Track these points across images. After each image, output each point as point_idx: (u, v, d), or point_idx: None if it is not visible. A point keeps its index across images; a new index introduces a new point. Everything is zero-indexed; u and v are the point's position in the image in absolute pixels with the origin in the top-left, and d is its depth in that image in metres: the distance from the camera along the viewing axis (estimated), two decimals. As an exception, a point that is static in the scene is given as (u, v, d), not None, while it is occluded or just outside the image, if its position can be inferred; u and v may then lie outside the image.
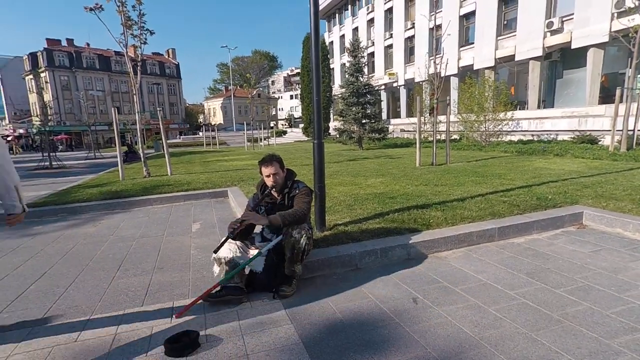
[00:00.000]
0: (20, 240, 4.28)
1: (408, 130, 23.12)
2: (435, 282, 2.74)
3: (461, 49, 22.76)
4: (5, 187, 1.96)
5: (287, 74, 71.35)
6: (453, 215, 3.85)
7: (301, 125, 39.65)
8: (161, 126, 7.90)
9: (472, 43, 22.00)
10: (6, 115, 49.44)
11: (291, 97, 57.63)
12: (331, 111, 28.91)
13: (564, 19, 17.21)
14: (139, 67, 7.47)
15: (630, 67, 17.01)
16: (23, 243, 4.16)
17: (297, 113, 48.52)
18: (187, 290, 2.76)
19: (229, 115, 54.67)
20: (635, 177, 5.67)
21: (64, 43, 47.26)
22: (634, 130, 8.78)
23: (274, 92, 52.83)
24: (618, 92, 8.78)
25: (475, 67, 21.52)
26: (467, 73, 22.27)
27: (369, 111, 13.63)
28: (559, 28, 17.34)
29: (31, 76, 45.62)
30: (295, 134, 33.48)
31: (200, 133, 42.22)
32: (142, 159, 7.70)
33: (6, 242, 4.21)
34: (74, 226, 4.86)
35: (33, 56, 45.24)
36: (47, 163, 15.54)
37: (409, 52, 27.16)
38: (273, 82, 48.62)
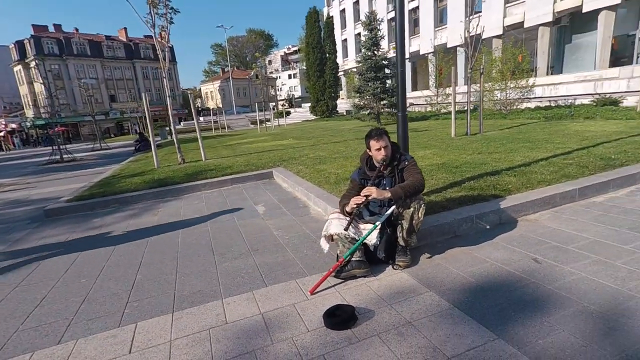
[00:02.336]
0: (90, 233, 4.28)
1: (418, 104, 22.84)
2: (543, 243, 2.78)
3: (469, 18, 22.18)
4: None
5: (284, 52, 69.89)
6: (528, 179, 3.87)
7: (304, 105, 39.22)
8: (194, 110, 7.77)
9: (480, 12, 21.46)
10: (-5, 110, 48.02)
11: (289, 76, 56.62)
12: (342, 89, 28.39)
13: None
14: (167, 50, 7.24)
15: (640, 29, 16.88)
16: (95, 235, 4.16)
17: (297, 93, 47.84)
18: (299, 268, 2.79)
19: (227, 98, 53.77)
20: None
21: (51, 29, 45.13)
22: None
23: (271, 72, 51.87)
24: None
25: (483, 36, 21.09)
26: (474, 43, 21.87)
27: (387, 85, 13.42)
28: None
29: (20, 66, 43.96)
30: (300, 114, 33.05)
31: (201, 118, 41.60)
32: (177, 146, 7.61)
33: (75, 235, 4.21)
34: (134, 216, 4.86)
35: (20, 44, 42.97)
36: (58, 157, 15.38)
37: (413, 24, 26.52)
38: (270, 61, 47.59)
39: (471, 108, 18.30)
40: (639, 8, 16.66)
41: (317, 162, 6.46)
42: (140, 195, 5.67)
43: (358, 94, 13.65)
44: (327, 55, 24.80)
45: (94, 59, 46.02)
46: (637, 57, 16.88)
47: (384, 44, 15.45)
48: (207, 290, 2.57)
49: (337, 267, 2.49)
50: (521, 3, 19.20)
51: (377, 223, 2.63)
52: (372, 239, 2.65)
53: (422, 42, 25.59)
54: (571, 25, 18.83)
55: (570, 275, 2.27)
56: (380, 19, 14.16)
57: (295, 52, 67.30)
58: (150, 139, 7.40)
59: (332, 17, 28.41)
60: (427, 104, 19.50)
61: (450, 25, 22.91)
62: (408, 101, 25.68)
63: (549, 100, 13.78)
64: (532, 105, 13.72)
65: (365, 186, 2.82)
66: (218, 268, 2.95)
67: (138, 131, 17.66)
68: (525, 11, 18.83)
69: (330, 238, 2.76)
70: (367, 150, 2.79)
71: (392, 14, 27.02)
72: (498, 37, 20.42)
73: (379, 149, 2.66)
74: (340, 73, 28.10)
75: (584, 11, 16.57)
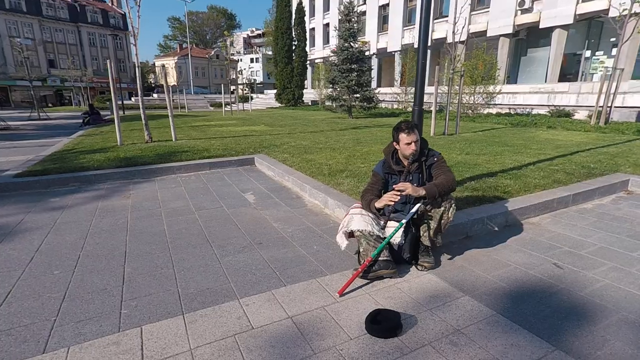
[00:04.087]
0: (50, 214, 3.69)
1: (385, 100, 23.18)
2: (556, 248, 2.83)
3: (435, 21, 22.84)
4: None
5: (248, 35, 67.21)
6: (525, 183, 3.97)
7: (266, 91, 38.16)
8: (166, 84, 7.05)
9: (446, 16, 22.15)
10: None
11: (252, 60, 54.64)
12: (306, 79, 27.91)
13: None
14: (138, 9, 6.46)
15: (586, 49, 18.55)
16: (58, 218, 3.60)
17: (259, 78, 46.27)
18: (316, 266, 2.58)
19: (184, 77, 50.66)
20: None
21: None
22: (605, 105, 9.52)
23: (232, 54, 49.68)
24: (606, 71, 9.34)
25: (448, 40, 21.84)
26: (440, 46, 22.64)
27: (362, 79, 13.33)
28: (529, 7, 18.03)
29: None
30: (263, 100, 32.00)
31: (155, 95, 38.83)
32: (144, 122, 6.88)
33: (33, 217, 3.61)
34: (102, 198, 4.29)
35: None
36: (-13, 123, 13.47)
37: (382, 21, 26.73)
38: (232, 42, 45.41)
39: (437, 109, 18.87)
40: (586, 30, 18.28)
41: (302, 152, 6.20)
42: (105, 175, 5.04)
43: (331, 85, 13.44)
44: (297, 42, 24.19)
45: (30, 17, 40.71)
46: (583, 75, 18.56)
47: (372, 35, 15.29)
48: (216, 288, 2.28)
49: (364, 267, 2.32)
50: (485, 12, 20.12)
51: (403, 221, 2.48)
52: (397, 238, 2.51)
53: (390, 40, 25.94)
54: (528, 39, 20.18)
55: (596, 282, 2.31)
56: (358, 11, 13.99)
57: (259, 35, 65.16)
58: (114, 113, 6.62)
59: (304, 4, 27.76)
60: (394, 100, 19.83)
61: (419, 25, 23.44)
62: (379, 97, 26.03)
63: (509, 108, 14.64)
64: (493, 111, 14.49)
65: (390, 181, 2.68)
66: (221, 262, 2.64)
67: (89, 103, 15.94)
68: (488, 20, 19.78)
69: (349, 235, 2.58)
70: (395, 144, 2.62)
71: (363, 7, 27.13)
72: (462, 42, 21.26)
73: (409, 143, 2.51)
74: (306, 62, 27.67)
75: (540, 27, 17.79)
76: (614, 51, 16.73)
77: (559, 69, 17.68)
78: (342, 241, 2.61)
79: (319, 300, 2.15)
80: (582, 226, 3.26)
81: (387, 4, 25.70)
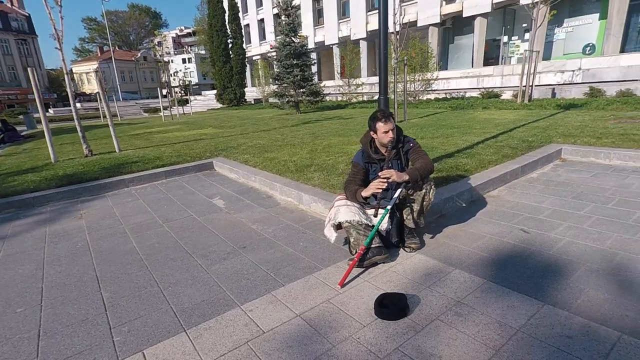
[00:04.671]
0: (-8, 248, 3.24)
1: (329, 93, 23.47)
2: (518, 215, 3.12)
3: (369, 13, 23.54)
4: None
5: (177, 34, 63.56)
6: (480, 160, 4.30)
7: (204, 92, 36.59)
8: (102, 91, 6.41)
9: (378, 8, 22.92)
10: None
11: (184, 60, 51.84)
12: (248, 76, 27.23)
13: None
14: (60, 9, 5.80)
15: (503, 35, 20.44)
16: (0, 250, 3.17)
17: (194, 79, 44.06)
18: (308, 262, 2.58)
19: (109, 82, 46.57)
20: (567, 119, 7.05)
21: None
22: (527, 85, 10.59)
23: (161, 55, 46.73)
24: (526, 54, 10.35)
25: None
26: (375, 37, 23.44)
27: (307, 73, 13.32)
28: (453, -3, 19.37)
29: None
30: (203, 102, 30.57)
31: (78, 104, 35.32)
32: (81, 135, 6.23)
33: (-26, 253, 3.14)
34: (49, 222, 3.86)
35: None
36: None
37: (317, 15, 26.93)
38: (160, 42, 42.77)
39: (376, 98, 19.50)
40: (502, 18, 20.11)
41: (262, 151, 6.09)
42: (45, 196, 4.53)
43: (277, 82, 13.29)
44: (234, 40, 23.45)
45: None
46: (502, 59, 20.43)
47: (309, 29, 15.29)
48: (213, 299, 2.18)
49: (359, 256, 2.36)
50: (414, 3, 21.20)
51: (388, 207, 2.57)
52: (384, 224, 2.60)
53: (326, 33, 26.26)
54: (454, 27, 21.68)
55: (559, 241, 2.60)
56: (296, 5, 13.94)
57: (190, 34, 62.08)
58: (44, 126, 5.91)
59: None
60: (338, 93, 20.18)
61: (354, 18, 24.03)
62: (326, 90, 26.23)
63: (445, 93, 15.66)
64: (432, 96, 15.40)
65: (370, 170, 2.75)
66: (209, 272, 2.53)
67: (0, 119, 14.03)
68: (417, 11, 20.88)
69: (337, 227, 2.62)
70: (371, 133, 2.69)
71: (296, 1, 27.05)
72: (395, 33, 22.20)
73: (386, 132, 2.59)
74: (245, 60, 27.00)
75: (464, 16, 19.21)
76: (527, 36, 18.73)
77: (483, 54, 19.27)
78: (330, 234, 2.63)
79: (322, 294, 2.16)
80: (534, 194, 3.63)
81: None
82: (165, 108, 17.42)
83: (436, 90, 15.55)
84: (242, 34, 24.03)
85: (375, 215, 2.45)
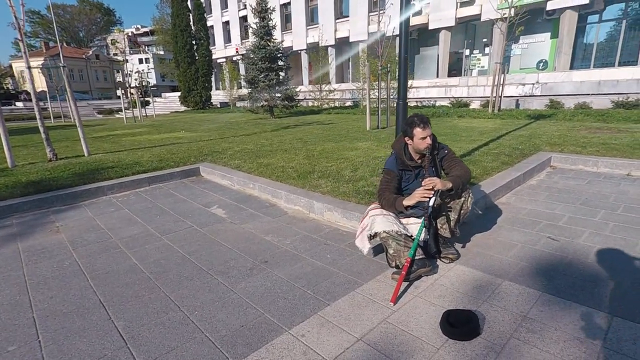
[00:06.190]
0: (-47, 269, 2.71)
1: (302, 99, 23.31)
2: (537, 223, 3.13)
3: (337, 21, 23.76)
4: None
5: (132, 32, 60.16)
6: (484, 168, 4.34)
7: (164, 94, 34.86)
8: (70, 90, 5.73)
9: (347, 16, 23.24)
10: None
11: (141, 60, 49.13)
12: (214, 79, 26.34)
13: (423, 3, 20.14)
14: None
15: (465, 48, 21.55)
16: (-33, 273, 2.66)
17: (152, 80, 41.81)
18: (345, 277, 2.39)
19: (54, 81, 42.93)
20: (544, 129, 7.39)
21: None
22: (497, 96, 11.14)
23: (115, 54, 43.89)
24: (496, 67, 10.85)
25: (350, 40, 23.01)
26: (344, 44, 23.73)
27: (281, 77, 13.04)
28: (419, 10, 20.11)
29: None
30: (164, 104, 29.03)
31: (20, 104, 32.26)
32: (45, 136, 5.50)
33: None
34: (17, 237, 3.32)
35: None
36: None
37: (285, 20, 26.78)
38: (113, 41, 39.99)
39: (346, 105, 19.60)
40: (464, 32, 21.19)
41: (253, 156, 5.77)
42: (9, 206, 3.93)
43: (250, 85, 12.89)
44: (201, 41, 22.58)
45: None
46: (465, 71, 21.49)
47: (277, 34, 15.08)
48: (252, 324, 1.92)
49: (406, 269, 2.21)
50: (382, 14, 21.72)
51: (426, 215, 2.46)
52: (422, 234, 2.47)
53: (295, 39, 26.16)
54: (419, 38, 22.49)
55: (590, 248, 2.61)
56: (272, 8, 13.68)
57: (147, 33, 59.14)
58: (1, 127, 5.17)
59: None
60: (310, 98, 20.09)
61: (323, 25, 24.15)
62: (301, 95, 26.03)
63: (416, 101, 16.07)
64: (402, 105, 15.74)
65: (403, 177, 2.62)
66: (236, 291, 2.26)
67: None
68: (385, 22, 21.40)
69: (371, 237, 2.46)
70: (406, 139, 2.57)
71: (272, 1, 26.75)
72: (363, 41, 22.64)
73: (424, 138, 2.48)
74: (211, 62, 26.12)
75: (429, 28, 20.00)
76: (487, 50, 19.88)
77: (447, 65, 20.14)
78: (363, 245, 2.48)
79: (375, 313, 1.98)
80: (542, 201, 3.70)
81: (289, 3, 25.81)
82: (125, 109, 16.30)
83: (409, 98, 15.93)
84: (208, 35, 23.24)
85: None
